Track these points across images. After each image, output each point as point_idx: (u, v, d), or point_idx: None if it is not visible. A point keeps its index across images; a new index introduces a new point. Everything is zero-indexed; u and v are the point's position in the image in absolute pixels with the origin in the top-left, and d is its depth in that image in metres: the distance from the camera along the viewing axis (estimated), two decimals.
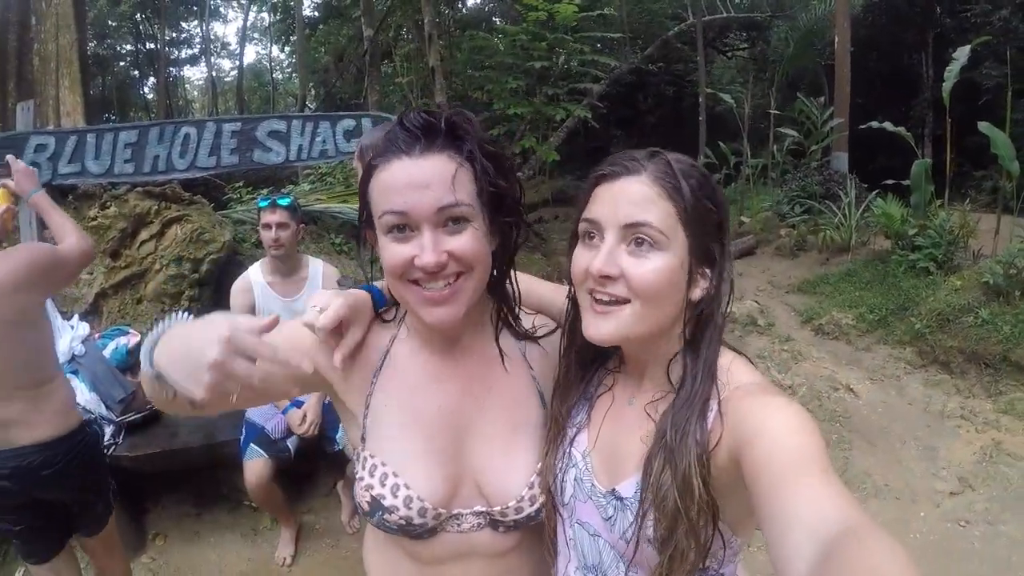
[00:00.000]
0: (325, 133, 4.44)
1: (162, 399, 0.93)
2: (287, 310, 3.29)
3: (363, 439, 1.14)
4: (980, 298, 5.66)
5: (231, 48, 33.50)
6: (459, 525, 1.11)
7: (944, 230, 6.85)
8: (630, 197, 0.94)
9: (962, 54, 7.97)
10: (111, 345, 3.68)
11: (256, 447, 3.19)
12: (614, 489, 1.02)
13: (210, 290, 4.26)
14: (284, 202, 3.25)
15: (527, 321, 1.19)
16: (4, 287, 2.10)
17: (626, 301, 0.94)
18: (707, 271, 0.98)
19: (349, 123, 4.49)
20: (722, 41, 20.35)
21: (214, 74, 29.51)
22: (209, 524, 3.69)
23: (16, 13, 7.53)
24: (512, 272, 1.13)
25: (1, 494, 2.21)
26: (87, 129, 4.59)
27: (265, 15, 27.03)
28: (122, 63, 26.26)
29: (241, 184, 6.64)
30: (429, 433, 1.11)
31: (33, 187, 2.50)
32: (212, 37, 30.09)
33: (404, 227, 0.97)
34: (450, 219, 0.97)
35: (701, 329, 0.99)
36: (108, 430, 3.37)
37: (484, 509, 1.11)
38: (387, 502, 1.07)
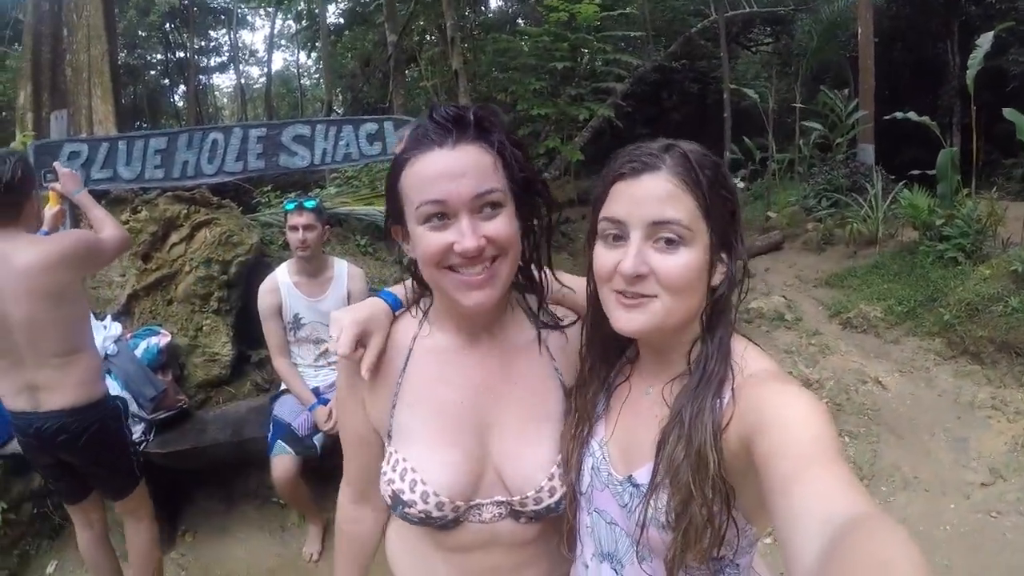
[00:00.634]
0: (348, 137, 4.49)
1: None
2: (312, 310, 3.36)
3: (389, 436, 1.18)
4: (1010, 287, 5.56)
5: (259, 55, 33.99)
6: (480, 515, 1.14)
7: (972, 219, 6.73)
8: (654, 194, 0.95)
9: (985, 41, 7.83)
10: (142, 345, 3.75)
11: (283, 444, 3.23)
12: (631, 476, 1.03)
13: (238, 291, 4.33)
14: (310, 204, 3.32)
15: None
16: (51, 263, 2.38)
17: (654, 297, 0.96)
18: (725, 257, 0.99)
19: (372, 127, 4.53)
20: (745, 36, 20.13)
21: (243, 81, 29.95)
22: (237, 521, 3.73)
23: (49, 26, 7.68)
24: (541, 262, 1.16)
25: (30, 449, 2.56)
26: (119, 136, 4.69)
27: (292, 23, 27.31)
28: (152, 72, 26.68)
29: (269, 188, 6.70)
30: (451, 426, 1.14)
31: (77, 188, 2.92)
32: (240, 45, 30.58)
33: (442, 215, 1.00)
34: (486, 205, 1.01)
35: (716, 312, 1.01)
36: (139, 427, 3.45)
37: (504, 499, 1.13)
38: (406, 497, 1.10)
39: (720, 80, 15.52)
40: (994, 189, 8.61)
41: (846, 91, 11.54)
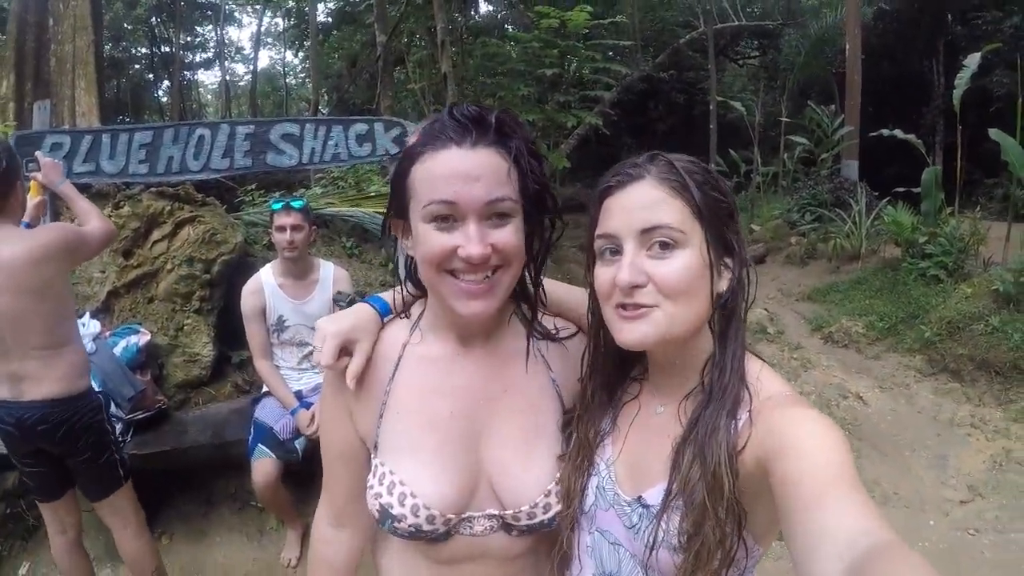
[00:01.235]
0: (338, 137, 4.45)
1: None
2: (297, 312, 3.31)
3: (376, 447, 1.14)
4: (990, 306, 5.64)
5: (245, 52, 33.87)
6: (471, 528, 1.10)
7: (954, 238, 6.83)
8: (641, 202, 0.94)
9: (972, 61, 7.95)
10: (121, 343, 3.69)
11: (264, 447, 3.18)
12: (640, 496, 1.01)
13: (221, 291, 4.27)
14: (298, 204, 3.28)
15: (548, 323, 1.19)
16: (35, 257, 2.35)
17: (654, 306, 0.94)
18: (728, 261, 0.98)
19: (361, 127, 4.50)
20: (733, 49, 20.36)
21: (228, 78, 29.74)
22: (215, 524, 3.68)
23: (34, 14, 7.59)
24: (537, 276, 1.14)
25: (11, 439, 2.51)
26: (102, 129, 4.61)
27: (279, 20, 27.20)
28: (137, 66, 26.48)
29: (254, 187, 6.65)
30: (442, 437, 1.11)
31: (59, 178, 2.84)
32: (226, 41, 30.40)
33: (449, 217, 0.97)
34: (496, 213, 0.98)
35: (726, 323, 0.99)
36: (117, 428, 3.39)
37: (497, 512, 1.10)
38: (395, 511, 1.07)
39: (707, 92, 15.68)
40: (977, 208, 8.73)
41: (832, 107, 11.67)
